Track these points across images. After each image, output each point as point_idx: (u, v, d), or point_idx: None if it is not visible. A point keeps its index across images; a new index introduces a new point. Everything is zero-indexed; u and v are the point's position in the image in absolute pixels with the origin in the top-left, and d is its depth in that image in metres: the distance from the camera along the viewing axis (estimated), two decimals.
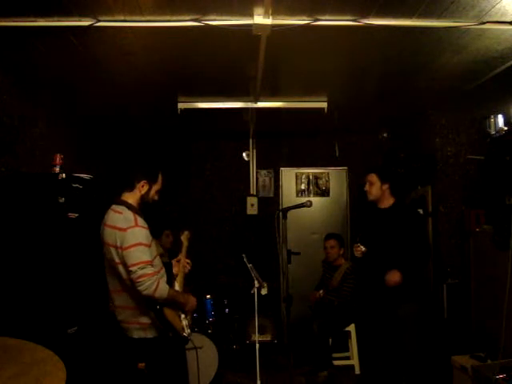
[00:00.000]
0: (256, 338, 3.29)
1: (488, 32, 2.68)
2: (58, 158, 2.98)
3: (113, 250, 2.23)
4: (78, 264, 2.85)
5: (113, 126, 4.91)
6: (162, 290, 2.19)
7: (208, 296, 4.34)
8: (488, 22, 2.54)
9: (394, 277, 2.90)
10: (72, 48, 2.80)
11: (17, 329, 2.22)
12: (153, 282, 2.13)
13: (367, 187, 3.18)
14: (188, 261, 2.75)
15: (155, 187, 2.46)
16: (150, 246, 2.25)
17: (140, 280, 2.11)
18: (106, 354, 2.80)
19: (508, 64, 3.18)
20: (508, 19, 2.52)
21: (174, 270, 2.65)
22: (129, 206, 2.31)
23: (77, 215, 2.85)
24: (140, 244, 2.18)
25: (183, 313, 2.45)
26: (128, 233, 2.19)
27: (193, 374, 3.03)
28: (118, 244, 2.19)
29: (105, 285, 2.40)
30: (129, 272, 2.15)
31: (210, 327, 4.07)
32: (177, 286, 2.55)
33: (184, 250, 2.80)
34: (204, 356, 3.59)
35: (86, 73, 3.32)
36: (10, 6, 2.32)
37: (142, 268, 2.13)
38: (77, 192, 2.93)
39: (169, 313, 2.29)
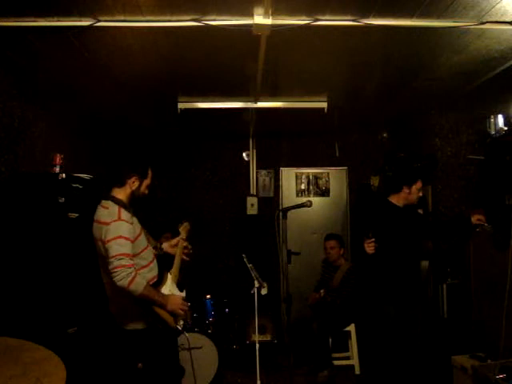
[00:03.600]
0: (256, 338, 3.29)
1: (488, 32, 2.68)
2: (58, 158, 2.98)
3: (100, 245, 2.29)
4: (77, 264, 2.85)
5: (113, 127, 4.92)
6: (138, 284, 2.19)
7: (208, 296, 4.34)
8: (488, 22, 2.54)
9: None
10: (72, 48, 2.80)
11: (17, 329, 2.22)
12: (128, 273, 2.15)
13: (421, 193, 3.30)
14: (186, 244, 2.77)
15: (145, 182, 2.51)
16: (132, 240, 2.28)
17: (115, 270, 2.15)
18: (106, 353, 2.80)
19: (508, 64, 3.18)
20: (508, 19, 2.52)
21: (167, 249, 2.71)
22: (116, 201, 2.35)
23: (77, 215, 2.85)
24: (120, 237, 2.21)
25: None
26: (110, 226, 2.23)
27: (191, 374, 3.03)
28: (103, 238, 2.24)
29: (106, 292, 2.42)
30: (108, 264, 2.19)
31: (210, 327, 4.07)
32: (169, 279, 2.54)
33: (180, 238, 2.82)
34: (204, 356, 3.59)
35: (85, 73, 3.32)
36: (10, 6, 2.32)
37: (119, 259, 2.16)
38: (77, 192, 2.93)
39: (157, 306, 2.32)
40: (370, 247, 3.05)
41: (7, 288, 2.64)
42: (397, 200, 3.26)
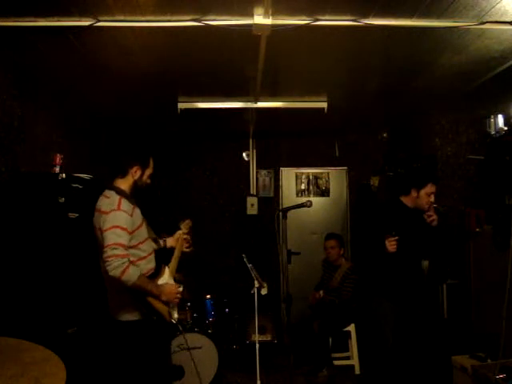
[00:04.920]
0: (256, 337, 3.29)
1: (488, 32, 2.69)
2: (58, 158, 2.98)
3: (99, 233, 2.29)
4: (77, 264, 2.85)
5: (113, 126, 4.92)
6: (131, 274, 2.17)
7: (208, 296, 4.33)
8: (488, 22, 2.54)
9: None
10: (72, 48, 2.80)
11: (17, 329, 2.22)
12: (121, 263, 2.14)
13: (432, 199, 3.18)
14: (186, 237, 2.77)
15: (147, 171, 2.50)
16: (130, 231, 2.26)
17: (108, 260, 2.13)
18: (102, 348, 2.80)
19: (508, 64, 3.18)
20: (508, 19, 2.52)
21: (171, 243, 2.71)
22: (118, 191, 2.34)
23: (77, 215, 2.85)
24: (117, 227, 2.20)
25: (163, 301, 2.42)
26: (109, 216, 2.23)
27: (192, 374, 3.03)
28: (101, 227, 2.24)
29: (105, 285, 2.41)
30: (102, 253, 2.18)
31: (210, 327, 4.06)
32: (167, 272, 2.53)
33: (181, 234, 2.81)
34: (204, 356, 3.59)
35: (85, 73, 3.32)
36: (10, 5, 2.32)
37: (113, 249, 2.15)
38: (77, 192, 2.93)
39: (151, 297, 2.31)
40: (392, 245, 2.97)
41: (7, 288, 2.64)
42: (406, 201, 3.21)
